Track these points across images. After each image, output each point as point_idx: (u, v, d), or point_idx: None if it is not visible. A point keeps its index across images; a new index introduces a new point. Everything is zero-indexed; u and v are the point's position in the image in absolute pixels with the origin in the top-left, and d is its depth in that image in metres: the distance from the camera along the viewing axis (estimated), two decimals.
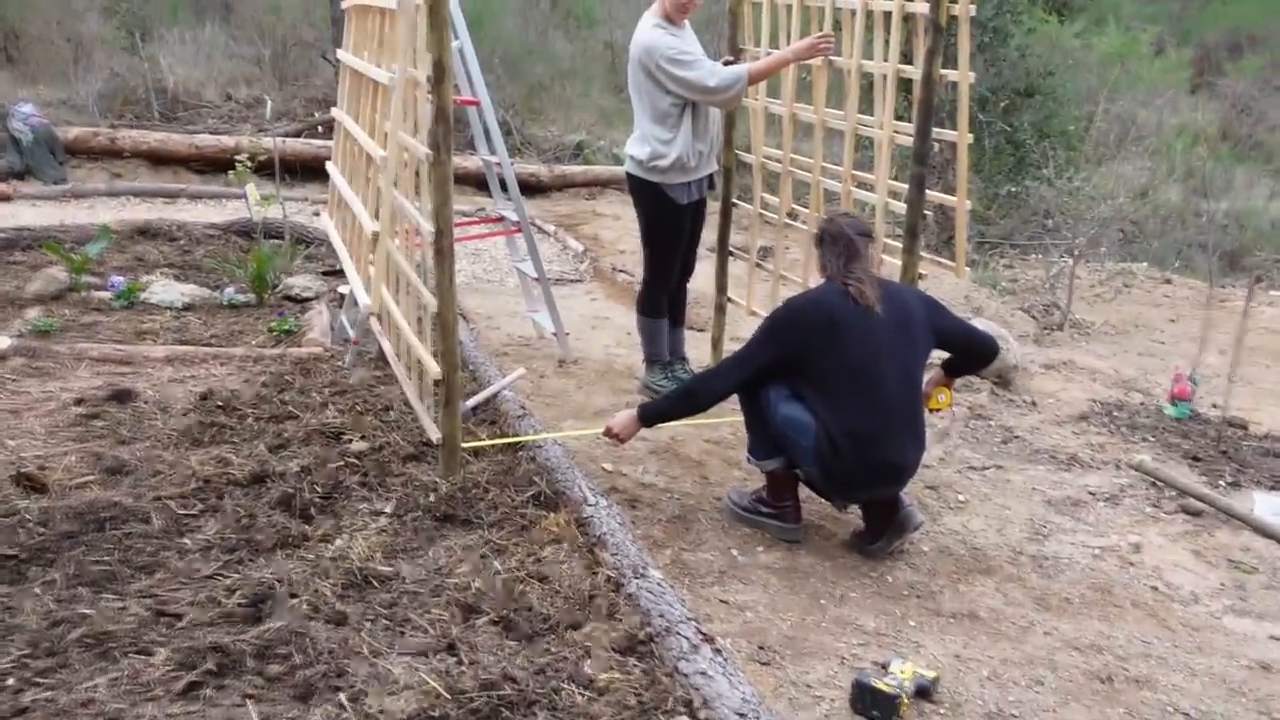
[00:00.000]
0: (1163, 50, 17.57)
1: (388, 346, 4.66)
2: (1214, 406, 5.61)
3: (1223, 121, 16.21)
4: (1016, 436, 5.12)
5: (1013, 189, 9.64)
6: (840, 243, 3.70)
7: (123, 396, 4.47)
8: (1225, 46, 19.55)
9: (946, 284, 7.22)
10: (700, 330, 6.07)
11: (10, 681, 2.57)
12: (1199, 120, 14.90)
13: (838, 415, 3.55)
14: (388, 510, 3.59)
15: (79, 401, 4.44)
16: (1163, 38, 18.02)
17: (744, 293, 5.45)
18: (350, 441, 4.13)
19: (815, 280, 3.99)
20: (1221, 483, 4.66)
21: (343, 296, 5.79)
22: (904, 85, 5.02)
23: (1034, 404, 5.63)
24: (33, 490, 3.57)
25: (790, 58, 4.65)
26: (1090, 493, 4.50)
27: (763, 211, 5.32)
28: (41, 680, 2.58)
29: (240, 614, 2.91)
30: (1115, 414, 5.47)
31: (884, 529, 3.72)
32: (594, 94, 15.16)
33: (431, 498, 3.65)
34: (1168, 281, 9.37)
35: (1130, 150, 12.14)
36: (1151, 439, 5.13)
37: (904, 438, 3.63)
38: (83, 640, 2.73)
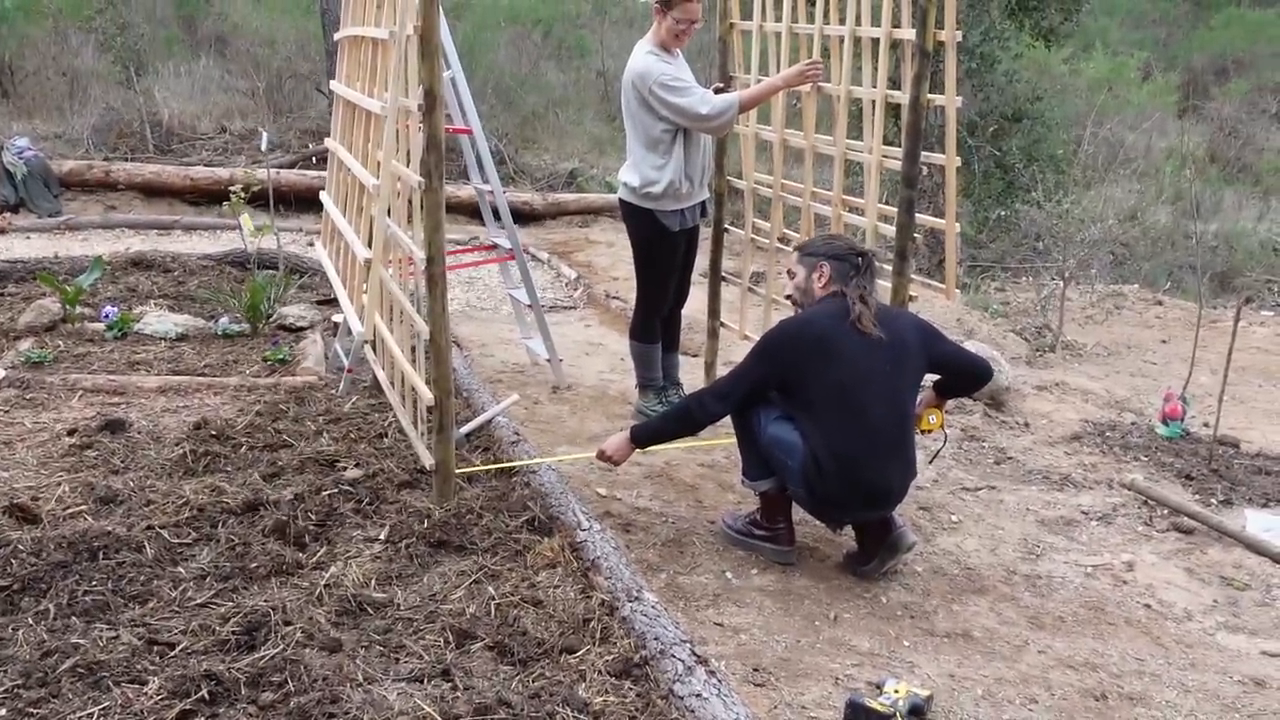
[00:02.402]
0: (1150, 75, 17.74)
1: (382, 374, 4.67)
2: (1205, 426, 5.63)
3: (1210, 144, 16.35)
4: (1009, 457, 5.13)
5: (1002, 213, 9.72)
6: (848, 261, 3.74)
7: (115, 426, 4.47)
8: (1212, 70, 19.75)
9: (938, 307, 7.26)
10: (694, 355, 6.09)
11: (2, 712, 2.57)
12: (1187, 143, 15.02)
13: (825, 437, 3.57)
14: (382, 537, 3.60)
15: (71, 432, 4.44)
16: (1150, 62, 18.19)
17: (736, 318, 5.47)
18: (344, 469, 4.13)
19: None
20: (1214, 501, 4.67)
21: (337, 325, 5.80)
22: (892, 110, 5.07)
23: (1026, 425, 5.65)
24: (25, 521, 3.57)
25: (780, 84, 4.70)
26: (1083, 512, 4.51)
27: (754, 236, 5.36)
28: (33, 711, 2.58)
29: (234, 642, 2.91)
30: (1107, 434, 5.49)
31: (877, 550, 3.72)
32: (587, 122, 15.26)
33: (425, 524, 3.65)
34: (1159, 303, 9.41)
35: (1119, 173, 12.24)
36: (1144, 458, 5.14)
37: (891, 462, 3.64)
38: (75, 670, 2.72)
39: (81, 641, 2.85)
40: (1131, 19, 21.63)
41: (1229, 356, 5.16)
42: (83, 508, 3.69)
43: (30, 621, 2.96)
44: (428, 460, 3.94)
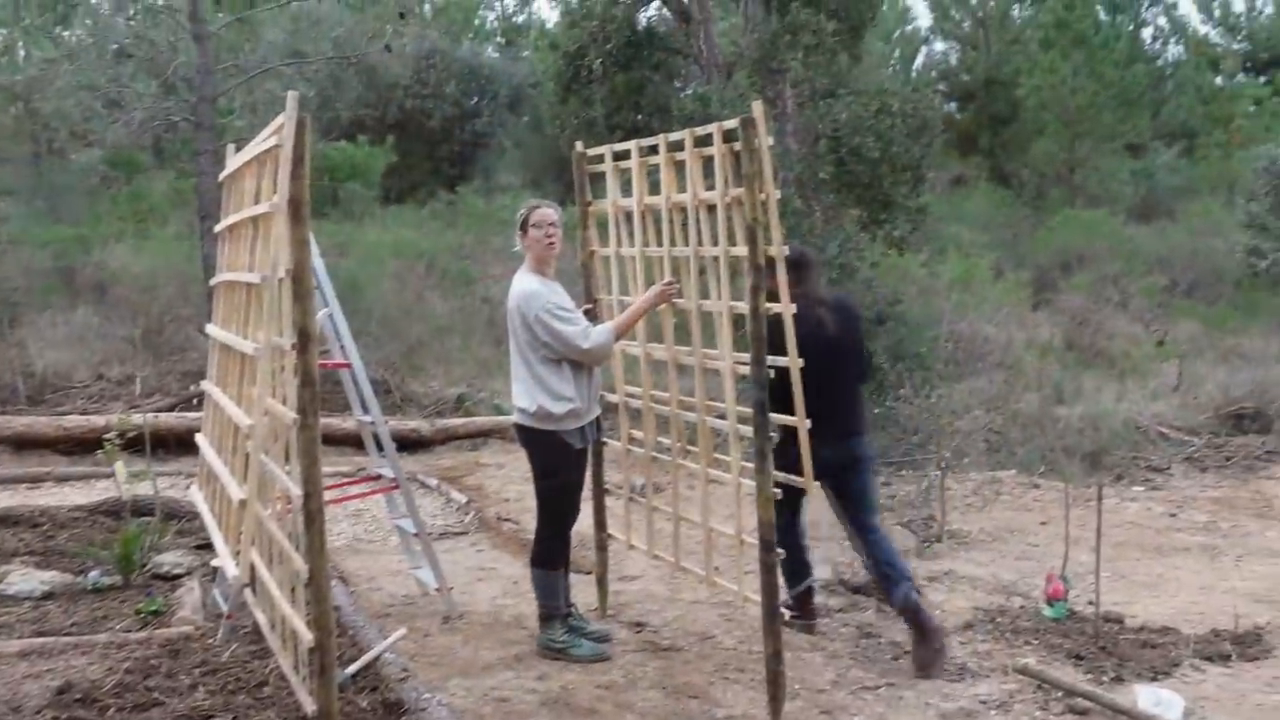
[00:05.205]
0: (1002, 273, 18.99)
1: (261, 618, 4.50)
2: (1090, 604, 5.76)
3: (1066, 333, 17.37)
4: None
5: (877, 410, 10.07)
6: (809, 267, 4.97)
7: None
8: (1057, 265, 21.20)
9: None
10: (586, 573, 6.02)
11: None
12: (1044, 334, 15.93)
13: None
14: None
15: None
16: (1000, 261, 19.51)
17: (623, 528, 5.50)
18: None
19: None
20: (1105, 679, 4.74)
21: (215, 570, 5.60)
22: (740, 320, 5.35)
23: None
24: None
25: (645, 307, 4.90)
26: (981, 701, 4.53)
27: (630, 447, 5.46)
28: None
29: None
30: (998, 620, 5.57)
31: None
32: (473, 347, 15.49)
33: None
34: (1035, 486, 9.73)
35: (982, 365, 12.87)
36: (1035, 641, 5.21)
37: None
38: None
39: None
40: (979, 223, 23.33)
41: (1098, 534, 5.36)
42: None
43: None
44: (309, 707, 3.77)
